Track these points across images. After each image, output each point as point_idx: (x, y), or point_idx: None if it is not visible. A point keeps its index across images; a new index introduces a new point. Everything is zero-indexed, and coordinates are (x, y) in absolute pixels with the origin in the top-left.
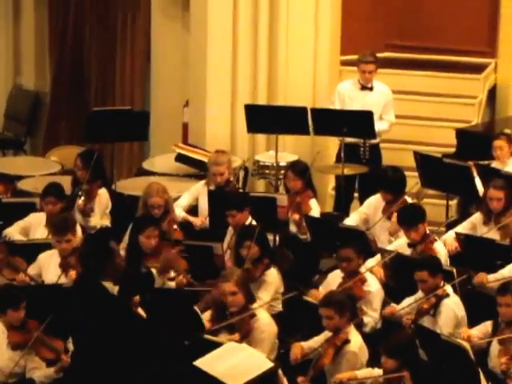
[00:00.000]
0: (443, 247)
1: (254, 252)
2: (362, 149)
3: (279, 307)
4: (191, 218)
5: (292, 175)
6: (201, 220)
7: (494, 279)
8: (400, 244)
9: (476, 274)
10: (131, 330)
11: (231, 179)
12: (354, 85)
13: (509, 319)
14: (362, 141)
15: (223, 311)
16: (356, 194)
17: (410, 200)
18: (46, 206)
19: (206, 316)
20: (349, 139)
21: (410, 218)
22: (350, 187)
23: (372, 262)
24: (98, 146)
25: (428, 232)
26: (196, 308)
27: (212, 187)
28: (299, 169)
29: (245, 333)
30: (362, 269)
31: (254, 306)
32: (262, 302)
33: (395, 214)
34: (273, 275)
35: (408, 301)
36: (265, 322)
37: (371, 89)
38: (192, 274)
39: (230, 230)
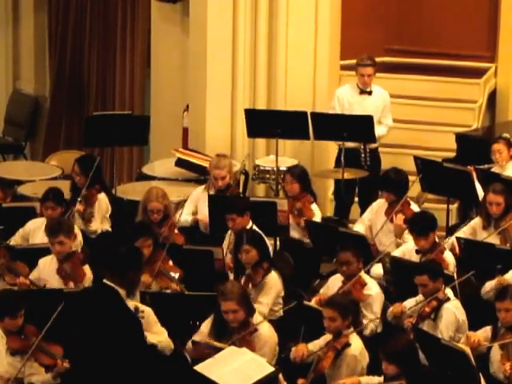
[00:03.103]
0: (452, 257)
1: (253, 256)
2: (362, 154)
3: (280, 312)
4: (198, 216)
5: (290, 178)
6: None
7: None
8: (408, 249)
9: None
10: (136, 339)
11: (231, 183)
12: (352, 89)
13: (509, 324)
14: (361, 146)
15: (224, 326)
16: (356, 199)
17: (412, 202)
18: (45, 211)
19: (205, 326)
20: (348, 144)
21: (422, 226)
22: (349, 192)
23: (378, 267)
24: (97, 151)
25: (438, 241)
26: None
27: (212, 191)
28: (297, 172)
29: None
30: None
31: (255, 318)
32: (263, 306)
33: (398, 216)
34: (274, 279)
35: (409, 303)
36: (266, 335)
37: (370, 93)
38: (188, 281)
39: (229, 234)
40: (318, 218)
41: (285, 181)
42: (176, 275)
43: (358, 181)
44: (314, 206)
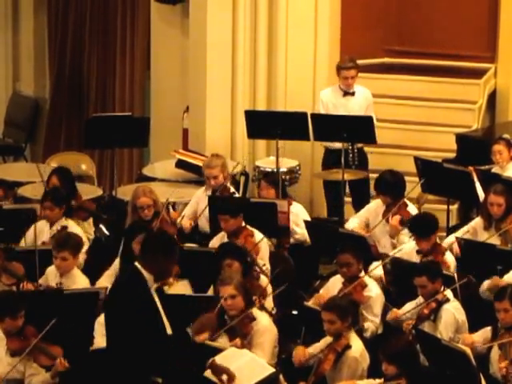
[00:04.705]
0: (453, 258)
1: (236, 268)
2: (350, 154)
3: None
4: (183, 222)
5: (265, 184)
6: (189, 223)
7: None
8: (407, 250)
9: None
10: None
11: (227, 184)
12: (335, 91)
13: (507, 324)
14: (349, 146)
15: (222, 317)
16: (349, 199)
17: (409, 203)
18: (43, 211)
19: None
20: (335, 145)
21: (423, 227)
22: (338, 192)
23: (377, 269)
24: (97, 153)
25: (438, 242)
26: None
27: (209, 192)
28: (272, 179)
29: (245, 334)
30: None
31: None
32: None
33: (394, 217)
34: (265, 282)
35: (409, 306)
36: (265, 325)
37: (353, 94)
38: (193, 284)
39: (223, 235)
40: (306, 216)
41: (260, 187)
42: None
43: (348, 181)
44: (299, 207)
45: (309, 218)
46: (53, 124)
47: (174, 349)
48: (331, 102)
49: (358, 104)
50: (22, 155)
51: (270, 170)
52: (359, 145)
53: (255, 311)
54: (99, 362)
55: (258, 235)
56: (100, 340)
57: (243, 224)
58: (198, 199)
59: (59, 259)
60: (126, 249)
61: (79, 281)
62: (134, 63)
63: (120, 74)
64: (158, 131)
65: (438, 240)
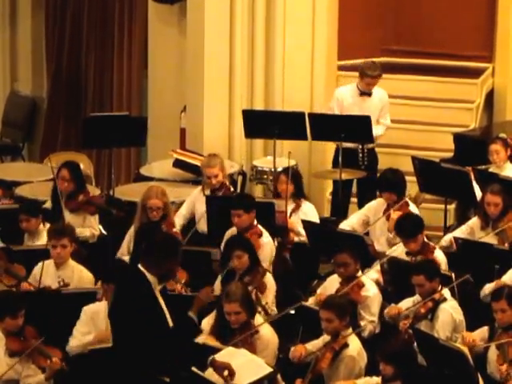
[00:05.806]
0: (443, 255)
1: (245, 261)
2: (360, 154)
3: (274, 310)
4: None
5: (285, 179)
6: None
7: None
8: (398, 252)
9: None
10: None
11: (226, 183)
12: (352, 90)
13: (504, 324)
14: (359, 146)
15: (226, 326)
16: (354, 199)
17: (410, 202)
18: (21, 224)
19: (206, 323)
20: (346, 144)
21: (409, 229)
22: (347, 192)
23: (373, 272)
24: (95, 152)
25: (426, 241)
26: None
27: (207, 192)
28: (292, 173)
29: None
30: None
31: (256, 320)
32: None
33: (396, 212)
34: (271, 280)
35: (406, 303)
36: (267, 337)
37: (370, 94)
38: (192, 284)
39: (232, 232)
40: (315, 218)
41: (279, 181)
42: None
43: (356, 181)
44: (310, 207)
45: (317, 218)
46: (50, 123)
47: (176, 346)
48: (347, 100)
49: (373, 105)
50: (20, 155)
51: (267, 169)
52: (370, 145)
53: (257, 320)
54: (96, 362)
55: (267, 237)
56: (79, 337)
57: (255, 222)
58: (194, 199)
59: (59, 247)
60: (137, 250)
61: (77, 269)
62: (132, 63)
63: (117, 74)
64: (156, 131)
65: (425, 239)
